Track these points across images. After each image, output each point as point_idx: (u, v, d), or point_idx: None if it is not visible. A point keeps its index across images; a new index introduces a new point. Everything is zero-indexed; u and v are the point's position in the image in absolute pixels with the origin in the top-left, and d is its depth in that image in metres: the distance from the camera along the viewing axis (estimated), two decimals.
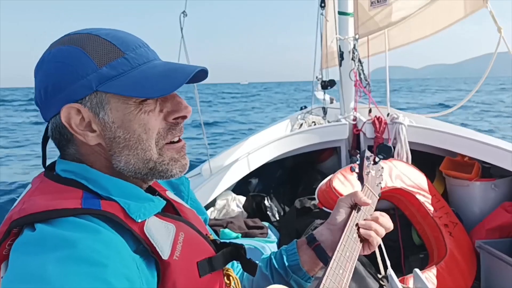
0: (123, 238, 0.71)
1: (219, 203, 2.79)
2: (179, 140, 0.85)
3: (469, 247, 2.58)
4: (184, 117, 0.83)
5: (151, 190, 0.90)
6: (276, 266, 1.07)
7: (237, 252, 0.90)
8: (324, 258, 1.04)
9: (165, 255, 0.74)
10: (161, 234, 0.76)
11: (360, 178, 1.20)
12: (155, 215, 0.80)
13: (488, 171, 2.79)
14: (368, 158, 1.23)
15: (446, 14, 3.47)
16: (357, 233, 1.03)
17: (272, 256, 1.11)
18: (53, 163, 0.85)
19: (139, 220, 0.75)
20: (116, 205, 0.75)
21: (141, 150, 0.79)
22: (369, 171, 1.21)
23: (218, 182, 2.65)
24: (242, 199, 2.89)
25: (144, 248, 0.73)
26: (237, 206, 2.82)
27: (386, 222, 1.07)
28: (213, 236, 0.96)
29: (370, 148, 2.99)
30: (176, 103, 0.81)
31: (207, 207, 2.75)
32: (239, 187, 3.07)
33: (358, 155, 1.26)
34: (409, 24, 3.64)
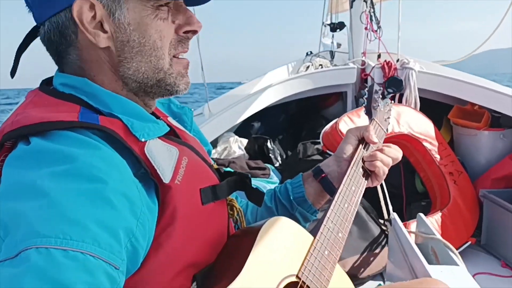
0: (123, 156, 0.66)
1: (221, 144, 2.74)
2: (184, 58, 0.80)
3: (472, 196, 2.55)
4: (195, 32, 0.78)
5: (152, 115, 0.83)
6: (281, 199, 1.04)
7: (242, 182, 0.86)
8: (330, 189, 1.01)
9: (166, 178, 0.68)
10: (163, 156, 0.71)
11: (369, 112, 1.16)
12: (158, 137, 0.74)
13: (498, 121, 2.72)
14: (376, 92, 1.18)
15: None
16: (363, 167, 1.00)
17: (277, 189, 1.07)
18: (50, 78, 0.78)
19: (143, 139, 0.69)
20: (117, 122, 0.69)
21: (155, 57, 0.74)
22: (378, 105, 1.16)
23: (220, 123, 2.59)
24: (244, 141, 2.85)
25: (144, 171, 0.67)
26: (239, 148, 2.78)
27: (394, 152, 1.03)
28: (216, 165, 0.90)
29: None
30: (189, 17, 0.77)
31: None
32: (241, 130, 3.01)
33: (366, 89, 1.20)
34: None
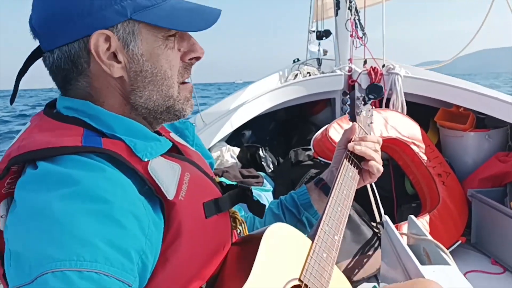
0: (127, 177, 0.68)
1: (213, 154, 2.77)
2: (187, 82, 0.84)
3: (461, 196, 2.62)
4: (198, 58, 0.82)
5: (155, 132, 0.86)
6: (288, 206, 1.12)
7: (243, 194, 0.89)
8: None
9: (170, 195, 0.71)
10: (166, 173, 0.73)
11: (352, 118, 1.21)
12: (160, 155, 0.77)
13: (483, 122, 2.79)
14: (358, 98, 1.23)
15: None
16: (352, 170, 1.06)
17: (282, 198, 1.15)
18: (54, 101, 0.80)
19: (146, 159, 0.72)
20: (120, 143, 0.72)
21: (166, 87, 0.77)
22: (361, 111, 1.21)
23: (211, 133, 2.62)
24: (236, 150, 2.88)
25: (149, 189, 0.70)
26: (231, 157, 2.81)
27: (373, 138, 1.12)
28: (218, 178, 0.94)
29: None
30: (192, 44, 0.81)
31: None
32: (232, 139, 3.05)
33: (348, 96, 1.25)
34: None
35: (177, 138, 0.92)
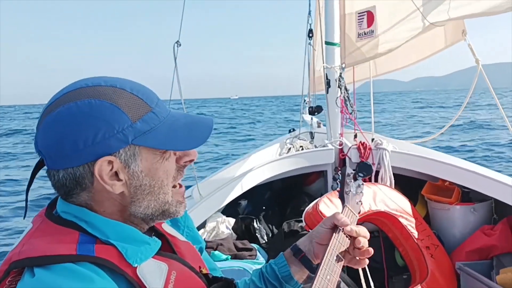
0: (117, 282, 0.76)
1: (209, 225, 2.87)
2: (180, 185, 0.92)
3: (449, 268, 2.68)
4: (192, 160, 0.91)
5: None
6: (270, 279, 1.12)
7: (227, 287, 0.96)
8: (310, 266, 1.09)
9: None
10: (153, 275, 0.80)
11: (341, 197, 1.25)
12: None
13: (468, 195, 2.91)
14: (348, 175, 1.27)
15: (429, 44, 3.66)
16: (337, 255, 1.07)
17: (263, 270, 1.15)
18: (55, 201, 0.88)
19: (136, 265, 0.79)
20: (112, 249, 0.79)
21: (163, 194, 0.86)
22: (350, 190, 1.25)
23: (209, 205, 2.73)
24: (232, 221, 2.98)
25: None
26: (227, 228, 2.90)
27: (364, 233, 1.11)
28: (207, 266, 1.01)
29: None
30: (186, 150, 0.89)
31: (197, 228, 2.82)
32: (228, 209, 3.15)
33: (339, 171, 1.29)
34: (394, 53, 3.82)
35: (168, 229, 0.99)
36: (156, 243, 0.88)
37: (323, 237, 1.11)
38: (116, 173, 0.81)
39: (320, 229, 1.13)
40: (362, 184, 1.30)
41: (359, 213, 1.26)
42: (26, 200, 0.89)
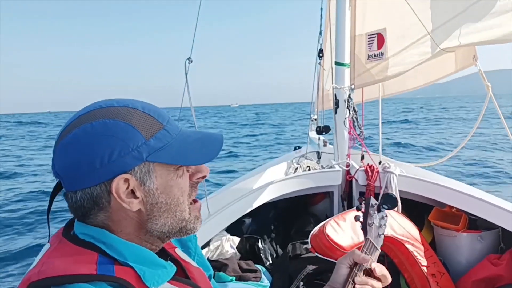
0: None
1: (214, 243, 2.85)
2: (195, 201, 0.94)
3: None
4: (204, 176, 0.93)
5: (162, 249, 0.96)
6: None
7: None
8: None
9: None
10: None
11: (364, 228, 1.22)
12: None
13: (475, 223, 2.89)
14: (372, 206, 1.24)
15: (439, 68, 3.66)
16: None
17: None
18: (72, 221, 0.90)
19: (153, 287, 0.80)
20: (130, 270, 0.80)
21: (179, 212, 0.88)
22: (373, 222, 1.22)
23: (213, 224, 2.72)
24: (236, 240, 2.96)
25: None
26: (231, 246, 2.88)
27: (383, 273, 1.13)
28: None
29: (362, 194, 3.09)
30: (199, 165, 0.91)
31: (202, 247, 2.81)
32: (232, 227, 3.13)
33: (363, 202, 1.26)
34: (403, 75, 3.82)
35: (181, 254, 1.01)
36: (172, 267, 0.90)
37: (341, 280, 1.11)
38: (133, 191, 0.83)
39: (336, 275, 1.13)
40: (386, 216, 1.27)
41: (381, 245, 1.23)
42: (48, 222, 0.91)
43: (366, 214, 1.23)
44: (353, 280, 1.09)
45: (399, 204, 2.97)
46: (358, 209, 1.25)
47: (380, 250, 1.22)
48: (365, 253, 1.16)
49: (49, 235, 0.90)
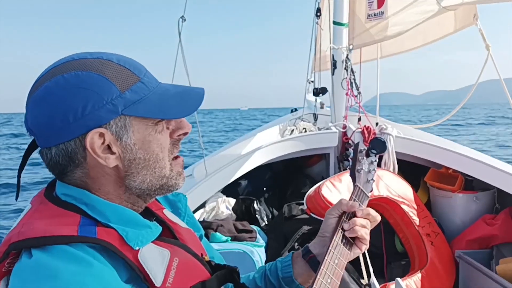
0: (117, 266, 0.74)
1: (209, 204, 2.85)
2: (178, 156, 0.90)
3: (449, 256, 2.68)
4: (186, 133, 0.89)
5: (147, 211, 0.92)
6: (270, 278, 1.10)
7: (230, 275, 0.93)
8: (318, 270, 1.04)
9: (157, 282, 0.76)
10: (155, 260, 0.78)
11: (352, 175, 1.20)
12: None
13: (471, 184, 2.89)
14: (361, 151, 1.23)
15: (438, 28, 3.57)
16: (346, 238, 1.05)
17: (267, 268, 1.14)
18: (53, 182, 0.86)
19: (137, 248, 0.77)
20: (113, 232, 0.77)
21: (159, 168, 0.84)
22: (362, 168, 1.20)
23: (210, 185, 2.70)
24: (232, 201, 2.96)
25: (137, 275, 0.75)
26: (227, 208, 2.88)
27: (369, 212, 1.08)
28: (208, 255, 0.98)
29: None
30: (179, 121, 0.87)
31: (197, 208, 2.81)
32: (228, 189, 3.13)
33: (352, 148, 1.24)
34: (401, 35, 3.73)
35: (170, 215, 0.97)
36: (157, 227, 0.86)
37: (330, 229, 1.08)
38: (109, 147, 0.79)
39: (325, 225, 1.10)
40: (375, 160, 1.25)
41: (371, 191, 1.21)
42: (18, 182, 0.87)
43: (354, 160, 1.21)
44: (342, 228, 1.06)
45: (396, 166, 2.96)
46: (348, 156, 1.21)
47: (369, 197, 1.19)
48: (354, 200, 1.14)
49: (16, 194, 0.87)
